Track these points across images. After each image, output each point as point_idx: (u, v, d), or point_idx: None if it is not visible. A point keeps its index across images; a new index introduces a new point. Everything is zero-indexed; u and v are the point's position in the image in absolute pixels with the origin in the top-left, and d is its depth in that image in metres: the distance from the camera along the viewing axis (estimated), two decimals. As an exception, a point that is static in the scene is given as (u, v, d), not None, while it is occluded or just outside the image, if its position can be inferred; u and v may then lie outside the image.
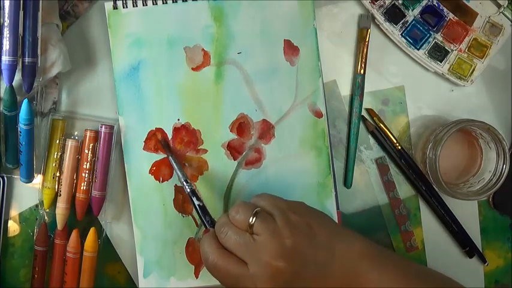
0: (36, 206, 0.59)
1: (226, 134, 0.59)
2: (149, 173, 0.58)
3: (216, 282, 0.58)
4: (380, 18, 0.60)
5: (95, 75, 0.59)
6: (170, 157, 0.57)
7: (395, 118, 0.62)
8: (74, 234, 0.57)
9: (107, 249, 0.59)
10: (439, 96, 0.63)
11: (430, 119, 0.62)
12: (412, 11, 0.61)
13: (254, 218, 0.46)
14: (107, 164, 0.57)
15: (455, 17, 0.61)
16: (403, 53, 0.62)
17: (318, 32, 0.59)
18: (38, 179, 0.57)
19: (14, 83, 0.53)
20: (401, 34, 0.61)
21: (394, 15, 0.61)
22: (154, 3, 0.58)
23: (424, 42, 0.61)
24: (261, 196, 0.49)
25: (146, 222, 0.58)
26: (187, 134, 0.58)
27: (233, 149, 0.59)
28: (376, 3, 0.60)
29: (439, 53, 0.61)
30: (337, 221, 0.59)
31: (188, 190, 0.54)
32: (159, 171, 0.58)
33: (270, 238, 0.45)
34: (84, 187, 0.57)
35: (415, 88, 0.62)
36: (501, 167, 0.58)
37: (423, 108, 0.62)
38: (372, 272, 0.48)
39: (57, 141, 0.57)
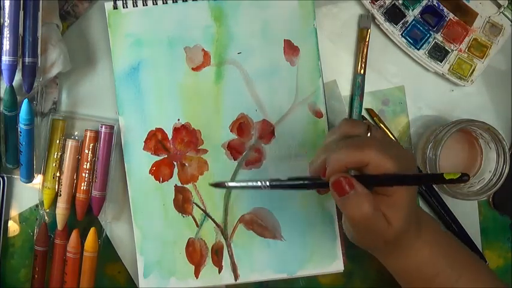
0: (36, 206, 0.59)
1: (226, 134, 0.59)
2: (149, 173, 0.58)
3: (216, 283, 0.58)
4: (380, 18, 0.60)
5: (95, 75, 0.59)
6: (227, 184, 0.50)
7: (395, 118, 0.62)
8: (74, 234, 0.57)
9: (107, 249, 0.59)
10: (439, 96, 0.63)
11: (430, 119, 0.62)
12: (412, 11, 0.61)
13: None
14: (107, 164, 0.57)
15: (455, 17, 0.61)
16: (403, 53, 0.62)
17: (318, 32, 0.59)
18: (38, 179, 0.58)
19: (14, 83, 0.53)
20: (401, 34, 0.61)
21: (394, 15, 0.61)
22: (155, 3, 0.58)
23: (424, 42, 0.61)
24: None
25: (146, 222, 0.58)
26: (188, 134, 0.58)
27: (233, 149, 0.59)
28: (376, 3, 0.60)
29: (439, 53, 0.61)
30: (336, 223, 0.59)
31: (269, 184, 0.46)
32: (159, 171, 0.58)
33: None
34: (84, 187, 0.57)
35: (415, 88, 0.62)
36: (501, 167, 0.58)
37: (423, 108, 0.62)
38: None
39: (57, 141, 0.57)
